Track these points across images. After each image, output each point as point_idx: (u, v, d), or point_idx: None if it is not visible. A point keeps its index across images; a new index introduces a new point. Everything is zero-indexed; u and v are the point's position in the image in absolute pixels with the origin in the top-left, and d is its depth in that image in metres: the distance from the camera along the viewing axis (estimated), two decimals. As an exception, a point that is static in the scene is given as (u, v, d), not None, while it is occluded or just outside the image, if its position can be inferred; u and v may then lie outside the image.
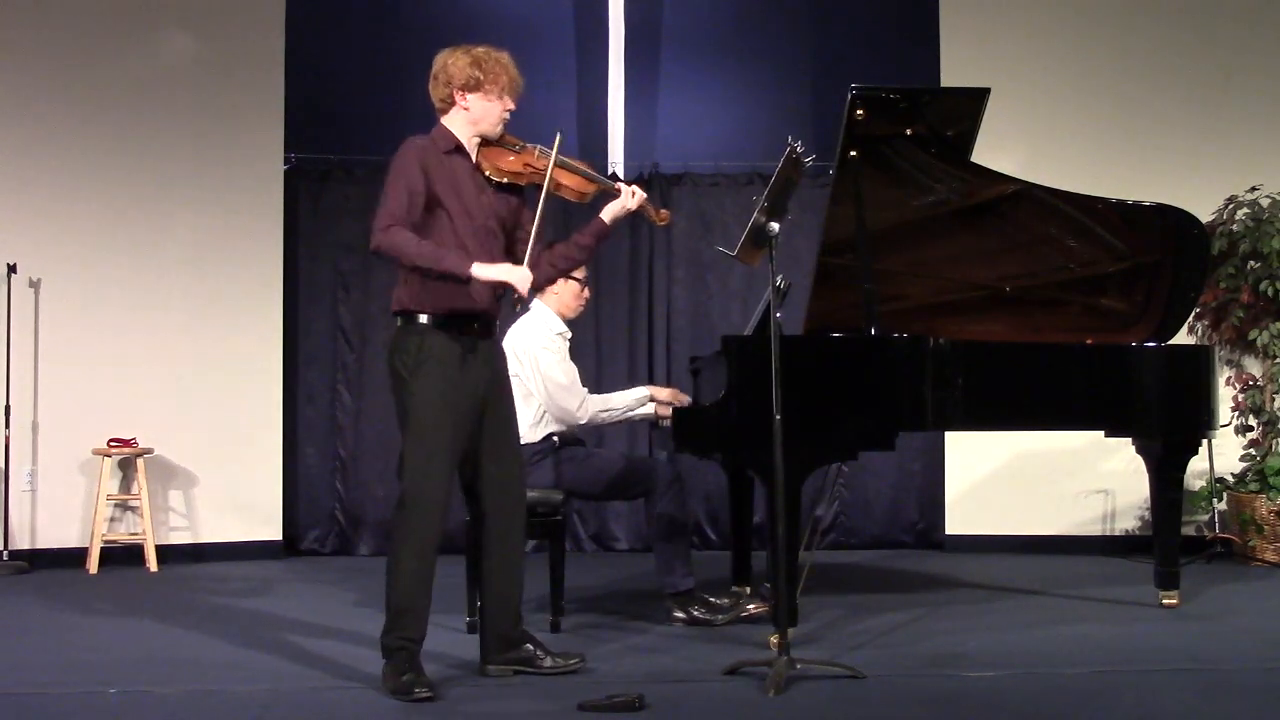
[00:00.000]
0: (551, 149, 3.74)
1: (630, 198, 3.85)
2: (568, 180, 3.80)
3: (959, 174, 4.80)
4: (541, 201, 3.72)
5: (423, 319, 3.67)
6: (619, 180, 3.92)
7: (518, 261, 3.71)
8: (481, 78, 3.70)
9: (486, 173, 3.76)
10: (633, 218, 3.76)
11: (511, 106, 3.76)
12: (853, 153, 4.57)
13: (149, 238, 6.49)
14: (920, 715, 3.47)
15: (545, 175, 3.73)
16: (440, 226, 3.66)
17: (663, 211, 4.03)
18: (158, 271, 6.50)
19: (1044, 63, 6.77)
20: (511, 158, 3.78)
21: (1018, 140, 6.40)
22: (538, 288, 4.00)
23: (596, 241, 3.90)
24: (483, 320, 3.75)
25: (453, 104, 3.74)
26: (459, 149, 3.74)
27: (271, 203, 6.71)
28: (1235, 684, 3.71)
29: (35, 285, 6.33)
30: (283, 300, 6.72)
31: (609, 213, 3.86)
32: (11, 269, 6.23)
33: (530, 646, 3.85)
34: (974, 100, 4.65)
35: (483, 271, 3.60)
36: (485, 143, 3.79)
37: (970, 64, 6.67)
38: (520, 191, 3.87)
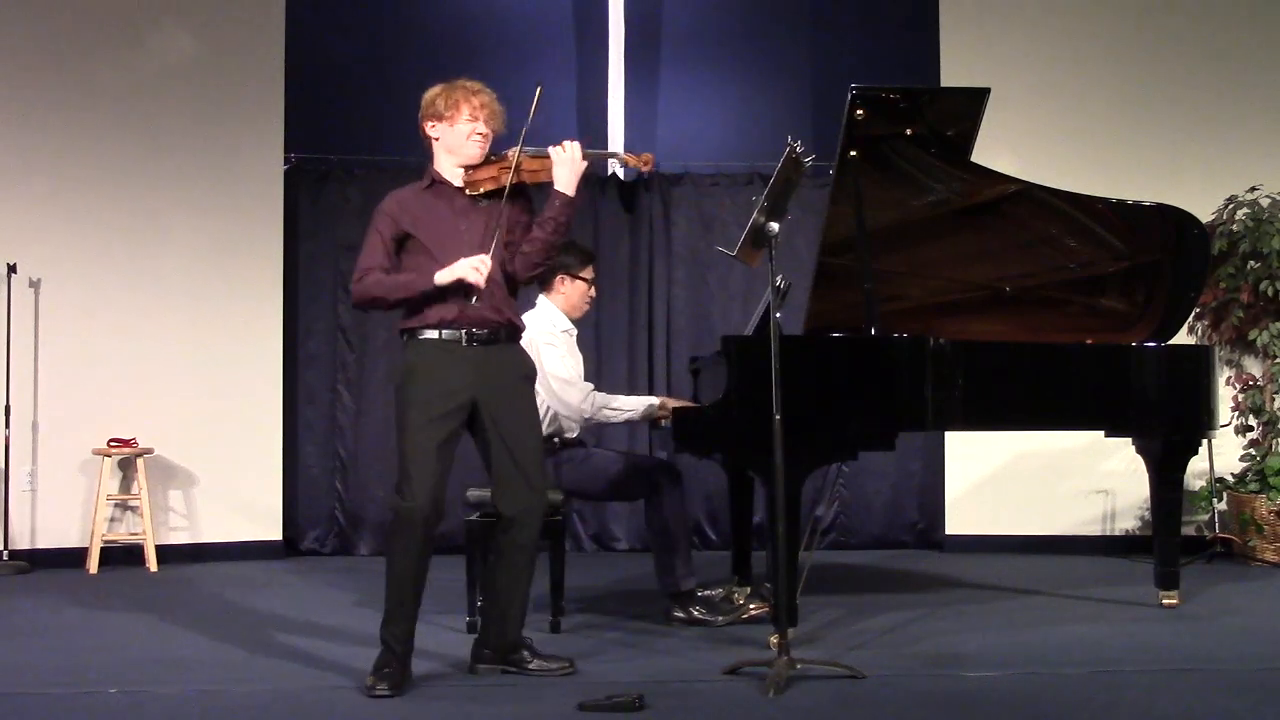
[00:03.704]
0: (518, 148, 3.76)
1: (561, 152, 3.78)
2: (533, 165, 3.82)
3: (959, 174, 4.80)
4: (505, 193, 3.77)
5: (413, 335, 3.80)
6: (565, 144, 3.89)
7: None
8: (442, 106, 3.80)
9: (468, 191, 3.82)
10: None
11: (483, 130, 3.80)
12: (853, 153, 4.56)
13: (149, 238, 6.49)
14: (920, 715, 3.47)
15: (515, 171, 3.76)
16: (424, 262, 3.76)
17: (645, 155, 4.02)
18: (158, 271, 6.50)
19: (1044, 63, 6.77)
20: (488, 168, 3.83)
21: (1018, 140, 6.39)
22: (527, 281, 3.96)
23: (561, 210, 3.81)
24: (480, 329, 3.77)
25: (430, 138, 3.86)
26: (436, 182, 3.84)
27: (271, 203, 6.70)
28: (1235, 684, 3.71)
29: (35, 285, 6.33)
30: (283, 300, 6.72)
31: (558, 180, 3.81)
32: (11, 269, 6.22)
33: (524, 651, 3.88)
34: (974, 100, 4.65)
35: (441, 276, 3.71)
36: (471, 166, 3.84)
37: (970, 64, 6.67)
38: (500, 197, 3.83)
